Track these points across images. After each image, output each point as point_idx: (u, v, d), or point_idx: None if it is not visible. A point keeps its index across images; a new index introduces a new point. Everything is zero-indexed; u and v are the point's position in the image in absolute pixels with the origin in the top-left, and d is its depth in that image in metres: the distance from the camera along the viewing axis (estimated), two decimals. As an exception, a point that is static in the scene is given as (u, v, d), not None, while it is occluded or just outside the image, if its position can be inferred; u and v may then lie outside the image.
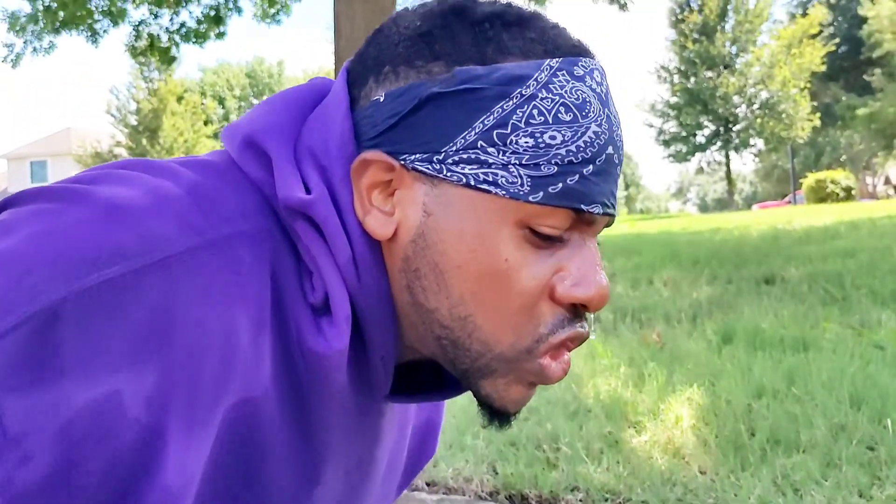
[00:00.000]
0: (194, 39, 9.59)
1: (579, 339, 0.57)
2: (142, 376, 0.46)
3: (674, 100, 34.45)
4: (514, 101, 0.53)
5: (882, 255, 6.11)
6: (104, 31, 9.17)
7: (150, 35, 9.47)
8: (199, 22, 9.51)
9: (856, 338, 3.81)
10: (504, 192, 0.53)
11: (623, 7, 9.83)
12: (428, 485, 2.48)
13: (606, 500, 2.24)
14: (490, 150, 0.53)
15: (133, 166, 0.56)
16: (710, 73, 32.87)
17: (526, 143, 0.53)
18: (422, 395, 0.65)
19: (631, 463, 2.42)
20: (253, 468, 0.54)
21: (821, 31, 31.70)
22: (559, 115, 0.53)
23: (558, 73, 0.54)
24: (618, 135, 0.57)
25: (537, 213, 0.54)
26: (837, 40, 33.99)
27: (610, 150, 0.56)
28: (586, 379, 3.29)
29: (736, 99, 32.63)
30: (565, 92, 0.54)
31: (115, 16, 9.06)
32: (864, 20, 32.24)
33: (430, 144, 0.54)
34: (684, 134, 34.68)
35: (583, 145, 0.54)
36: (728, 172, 35.41)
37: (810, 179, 24.89)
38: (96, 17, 9.01)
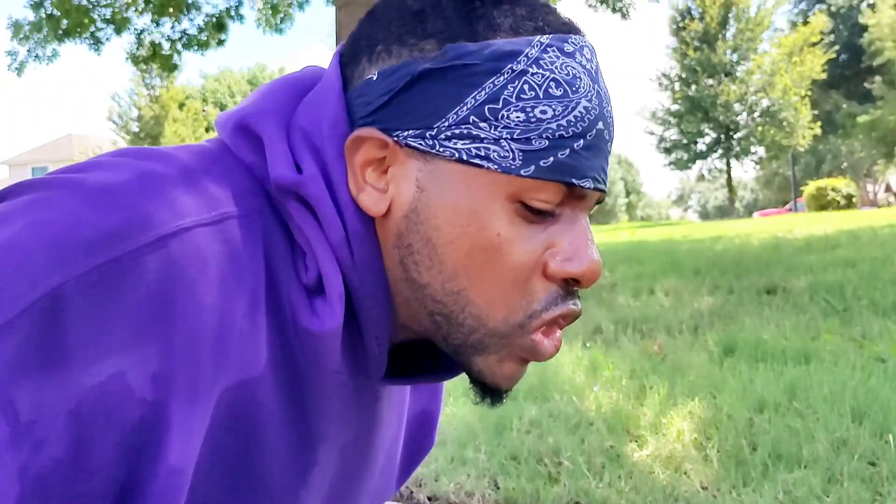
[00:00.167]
0: (196, 47, 9.62)
1: (572, 316, 0.58)
2: (145, 355, 0.47)
3: (675, 107, 34.51)
4: (506, 76, 0.54)
5: (883, 266, 6.10)
6: (107, 39, 9.20)
7: (153, 43, 9.50)
8: (200, 30, 9.54)
9: (857, 349, 3.81)
10: (496, 167, 0.54)
11: (625, 15, 9.85)
12: (430, 499, 2.48)
13: (608, 515, 2.24)
14: (482, 125, 0.54)
15: (125, 154, 0.56)
16: (711, 81, 32.92)
17: (517, 117, 0.54)
18: (417, 377, 0.66)
19: (633, 478, 2.42)
20: (250, 449, 0.55)
21: (821, 39, 31.74)
22: (550, 90, 0.54)
23: (549, 49, 0.55)
24: (608, 111, 0.58)
25: (529, 187, 0.54)
26: (837, 48, 34.04)
27: (600, 125, 0.57)
28: (588, 391, 3.29)
29: (737, 107, 32.67)
30: (555, 68, 0.55)
31: (119, 24, 9.09)
32: (864, 28, 32.31)
33: (422, 121, 0.55)
34: (685, 141, 34.73)
35: (573, 120, 0.55)
36: (729, 180, 35.43)
37: (811, 187, 24.91)
38: (99, 25, 9.03)
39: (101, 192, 0.49)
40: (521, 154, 0.54)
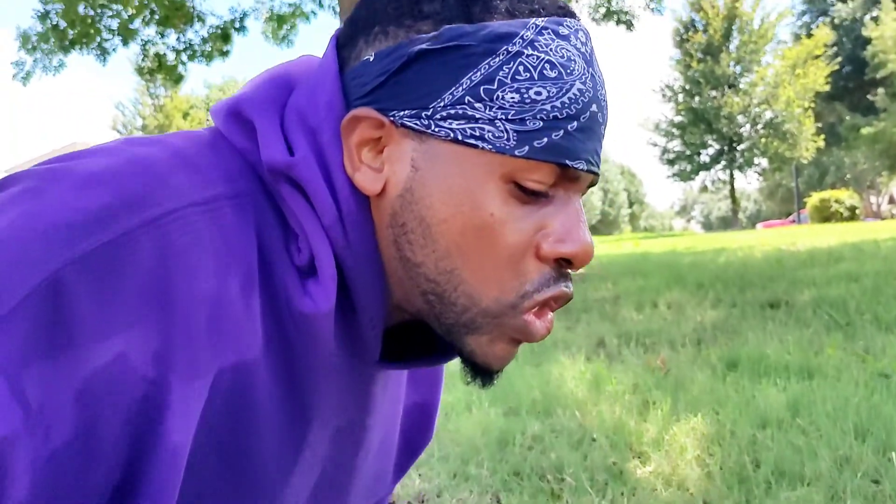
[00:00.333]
0: (200, 58, 9.67)
1: (564, 299, 0.59)
2: (146, 334, 0.48)
3: (678, 119, 34.53)
4: (501, 57, 0.54)
5: (886, 280, 6.10)
6: (113, 50, 9.25)
7: (157, 54, 9.55)
8: (204, 41, 9.59)
9: (860, 365, 3.81)
10: (490, 147, 0.54)
11: (629, 27, 9.87)
12: (432, 515, 2.48)
13: (611, 532, 2.24)
14: (477, 105, 0.54)
15: (117, 141, 0.57)
16: (714, 93, 32.96)
17: (512, 98, 0.54)
18: (412, 362, 0.66)
19: (636, 495, 2.42)
20: (244, 430, 0.55)
21: (825, 52, 31.80)
22: (544, 71, 0.55)
23: (544, 31, 0.56)
24: (602, 94, 0.59)
25: (523, 168, 0.55)
26: (841, 60, 34.08)
27: (594, 108, 0.57)
28: (591, 406, 3.29)
29: (740, 118, 32.72)
30: (550, 50, 0.55)
31: (125, 35, 9.15)
32: (868, 41, 32.37)
33: (418, 101, 0.56)
34: (688, 153, 34.75)
35: (567, 101, 0.55)
36: (732, 191, 35.41)
37: (815, 199, 24.93)
38: (105, 35, 9.09)
39: (92, 178, 0.50)
40: (515, 134, 0.54)
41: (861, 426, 2.80)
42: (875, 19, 33.08)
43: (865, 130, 31.63)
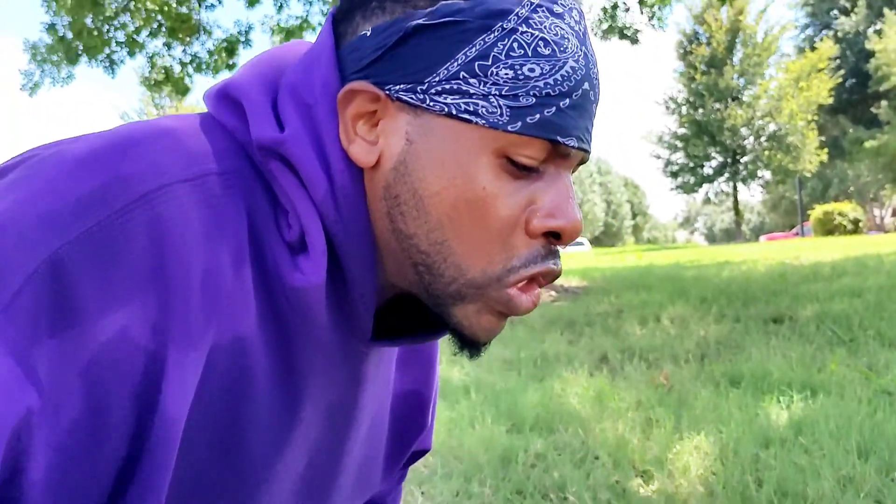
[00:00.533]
0: (206, 70, 9.72)
1: (551, 276, 0.60)
2: (145, 307, 0.49)
3: (681, 131, 34.55)
4: (496, 34, 0.55)
5: (889, 295, 6.09)
6: (121, 62, 9.31)
7: (164, 67, 9.61)
8: (210, 54, 9.64)
9: (863, 381, 3.81)
10: (484, 122, 0.55)
11: (633, 41, 9.90)
12: (435, 533, 2.48)
13: (613, 552, 2.24)
14: (471, 80, 0.55)
15: (109, 129, 0.58)
16: (717, 105, 32.98)
17: (506, 74, 0.55)
18: (403, 339, 0.67)
19: (638, 514, 2.42)
20: (239, 404, 0.56)
21: (828, 65, 31.84)
22: (538, 49, 0.56)
23: (538, 9, 0.57)
24: (594, 73, 0.60)
25: (515, 143, 0.56)
26: (844, 73, 34.12)
27: (586, 86, 0.58)
28: (594, 423, 3.29)
29: (744, 131, 32.73)
30: (545, 27, 0.56)
31: (131, 47, 9.20)
32: (871, 54, 32.42)
33: (414, 75, 0.56)
34: (692, 165, 34.75)
35: (560, 79, 0.56)
36: (735, 203, 35.38)
37: (818, 211, 24.90)
38: (112, 47, 9.15)
39: (83, 160, 0.51)
40: (508, 110, 0.55)
41: (864, 445, 2.80)
42: (878, 32, 33.16)
43: (869, 144, 31.64)
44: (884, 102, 31.98)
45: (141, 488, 0.50)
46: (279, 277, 0.56)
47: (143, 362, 0.49)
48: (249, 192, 0.56)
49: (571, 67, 0.57)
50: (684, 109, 34.47)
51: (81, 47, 8.86)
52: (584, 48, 0.59)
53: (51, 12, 8.79)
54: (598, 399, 3.70)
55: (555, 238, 0.59)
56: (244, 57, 10.63)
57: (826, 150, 32.60)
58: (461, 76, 0.55)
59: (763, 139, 32.81)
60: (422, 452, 0.89)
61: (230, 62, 9.66)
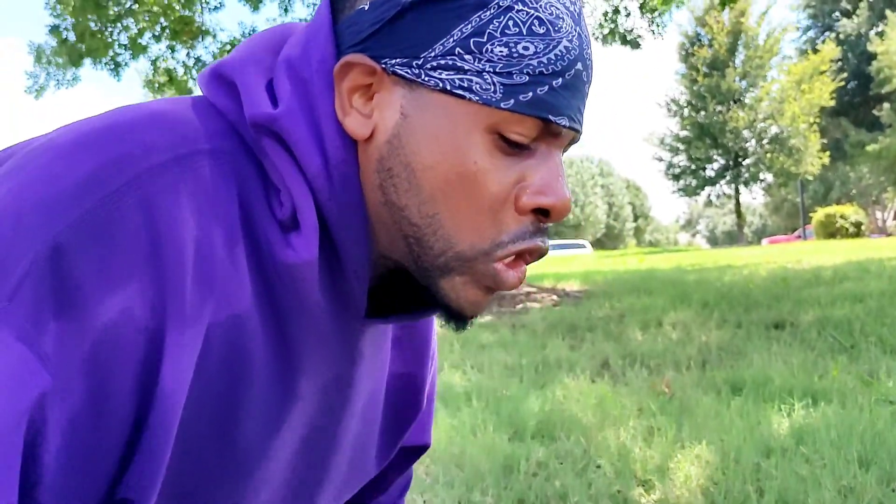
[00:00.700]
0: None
1: (538, 253, 0.61)
2: (143, 287, 0.49)
3: (683, 133, 34.54)
4: (492, 11, 0.56)
5: (890, 301, 6.10)
6: (125, 64, 9.34)
7: (168, 69, 9.63)
8: (214, 57, 9.67)
9: (864, 389, 3.81)
10: (477, 98, 0.56)
11: (635, 47, 9.91)
12: (437, 542, 2.49)
13: (615, 562, 2.25)
14: (466, 57, 0.56)
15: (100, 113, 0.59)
16: (719, 108, 32.97)
17: (500, 52, 0.56)
18: (397, 316, 0.68)
19: (639, 524, 2.42)
20: (238, 382, 0.56)
21: (830, 67, 31.83)
22: (533, 27, 0.57)
23: None
24: (587, 54, 0.61)
25: (507, 120, 0.57)
26: (846, 75, 34.12)
27: (579, 66, 0.59)
28: (595, 431, 3.30)
29: (746, 133, 32.68)
30: (540, 6, 0.57)
31: (135, 50, 9.23)
32: (873, 56, 32.41)
33: (410, 50, 0.57)
34: (694, 167, 34.72)
35: (553, 58, 0.57)
36: (737, 206, 35.35)
37: (820, 214, 24.85)
38: (116, 49, 9.17)
39: (74, 146, 0.52)
40: (501, 87, 0.56)
41: (865, 455, 2.80)
42: (880, 34, 33.15)
43: (871, 148, 31.63)
44: (886, 105, 31.97)
45: (142, 465, 0.51)
46: (272, 255, 0.57)
47: (144, 341, 0.49)
48: (240, 171, 0.57)
49: (565, 47, 0.58)
50: (686, 111, 34.43)
51: (84, 49, 8.89)
52: (578, 28, 0.59)
53: (55, 14, 8.81)
54: (600, 406, 3.70)
55: (543, 215, 0.60)
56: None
57: (828, 152, 32.55)
58: (456, 52, 0.56)
59: (765, 142, 32.77)
60: (421, 449, 0.89)
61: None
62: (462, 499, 2.66)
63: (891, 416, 3.30)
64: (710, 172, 34.65)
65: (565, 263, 16.22)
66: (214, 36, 9.60)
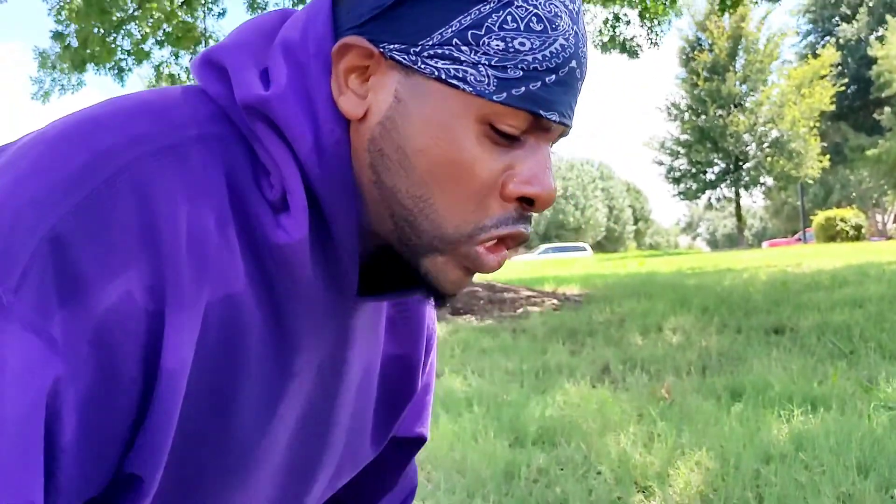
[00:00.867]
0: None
1: (519, 239, 0.63)
2: (142, 271, 0.51)
3: (684, 137, 34.56)
4: (492, 5, 0.57)
5: (889, 306, 6.11)
6: (129, 69, 9.37)
7: (171, 74, 9.67)
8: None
9: (863, 395, 3.83)
10: (471, 89, 0.58)
11: (633, 55, 9.94)
12: (439, 548, 2.51)
13: (615, 568, 2.26)
14: (463, 48, 0.57)
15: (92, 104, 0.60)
16: (720, 111, 33.00)
17: (497, 45, 0.57)
18: (389, 294, 0.69)
19: (640, 530, 2.44)
20: (236, 362, 0.58)
21: (830, 72, 31.86)
22: (531, 24, 0.58)
23: None
24: (583, 52, 0.62)
25: (499, 112, 0.58)
26: (846, 80, 34.15)
27: (573, 64, 0.60)
28: (596, 437, 3.32)
29: (746, 137, 32.74)
30: (539, 4, 0.58)
31: (138, 55, 9.26)
32: (873, 60, 32.44)
33: (409, 37, 0.58)
34: (694, 171, 34.75)
35: (549, 55, 0.58)
36: (738, 209, 35.40)
37: (820, 217, 24.88)
38: (119, 55, 9.20)
39: (66, 137, 0.54)
40: (495, 80, 0.58)
41: (864, 462, 2.82)
42: (880, 39, 33.20)
43: (871, 151, 31.65)
44: (886, 109, 32.01)
45: (149, 443, 0.53)
46: (263, 236, 0.59)
47: (146, 323, 0.51)
48: (230, 155, 0.58)
49: (561, 45, 0.59)
50: (687, 115, 34.50)
51: (88, 55, 8.92)
52: (575, 27, 0.61)
53: (58, 20, 8.85)
54: (601, 412, 3.72)
55: (528, 204, 0.61)
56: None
57: (828, 156, 32.60)
58: (454, 43, 0.57)
59: (765, 145, 32.84)
60: (419, 441, 0.90)
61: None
62: (463, 505, 2.68)
63: (890, 423, 3.31)
64: (710, 176, 34.72)
65: (566, 266, 16.24)
66: (218, 41, 9.63)
